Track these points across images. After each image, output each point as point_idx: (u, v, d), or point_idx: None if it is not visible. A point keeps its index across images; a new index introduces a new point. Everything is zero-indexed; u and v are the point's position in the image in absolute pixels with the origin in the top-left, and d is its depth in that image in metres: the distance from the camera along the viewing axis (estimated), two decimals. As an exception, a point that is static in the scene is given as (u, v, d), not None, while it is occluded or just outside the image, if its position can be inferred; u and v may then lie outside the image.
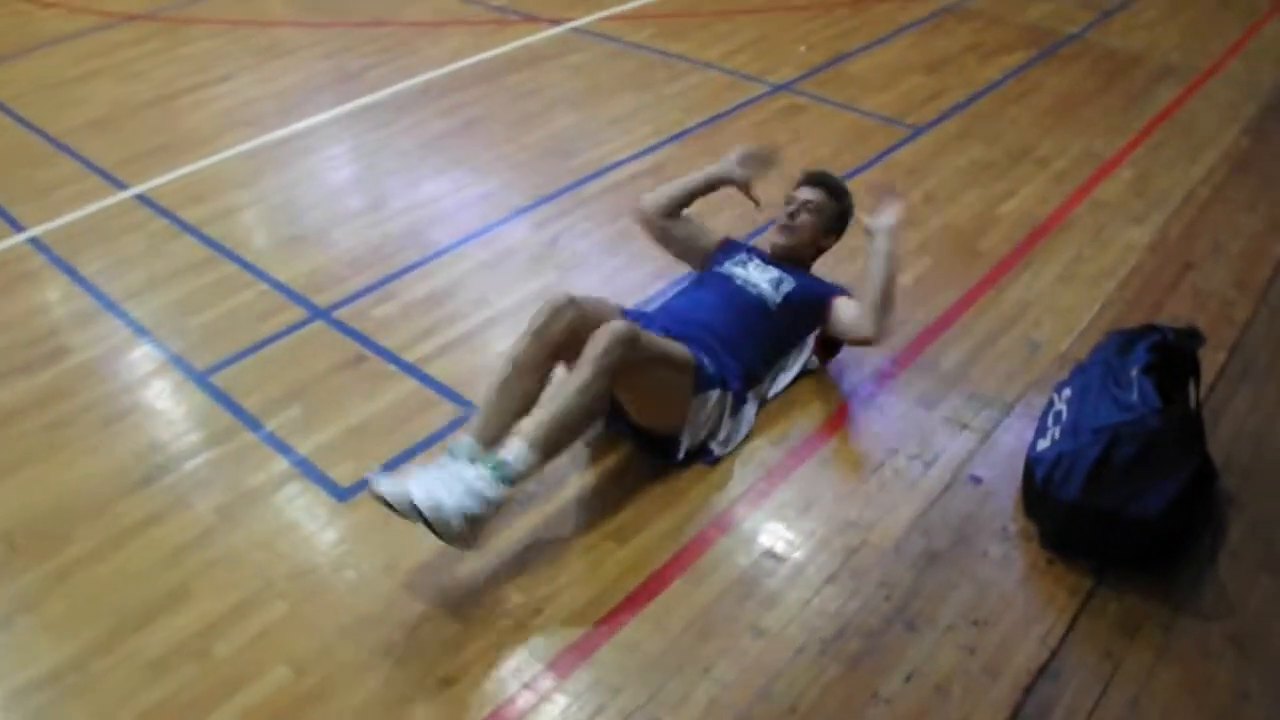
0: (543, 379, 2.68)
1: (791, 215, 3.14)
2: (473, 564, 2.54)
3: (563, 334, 2.66)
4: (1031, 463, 2.47)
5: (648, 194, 3.28)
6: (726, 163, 3.20)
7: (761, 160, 3.22)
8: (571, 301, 2.70)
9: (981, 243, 3.72)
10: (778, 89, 4.98)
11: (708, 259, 3.21)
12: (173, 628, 2.42)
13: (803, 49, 5.41)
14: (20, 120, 5.06)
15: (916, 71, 5.09)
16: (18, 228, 4.12)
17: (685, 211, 3.26)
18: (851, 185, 3.32)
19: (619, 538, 2.60)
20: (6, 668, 2.37)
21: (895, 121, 4.61)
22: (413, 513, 2.30)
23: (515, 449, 2.43)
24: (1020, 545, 2.49)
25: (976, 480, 2.66)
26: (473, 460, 2.44)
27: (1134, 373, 2.39)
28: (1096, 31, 5.53)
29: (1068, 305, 3.35)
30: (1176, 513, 2.24)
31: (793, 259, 3.13)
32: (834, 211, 3.16)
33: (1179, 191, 3.98)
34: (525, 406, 2.64)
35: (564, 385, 2.52)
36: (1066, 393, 2.55)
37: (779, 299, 2.98)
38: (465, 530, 2.32)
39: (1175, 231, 3.74)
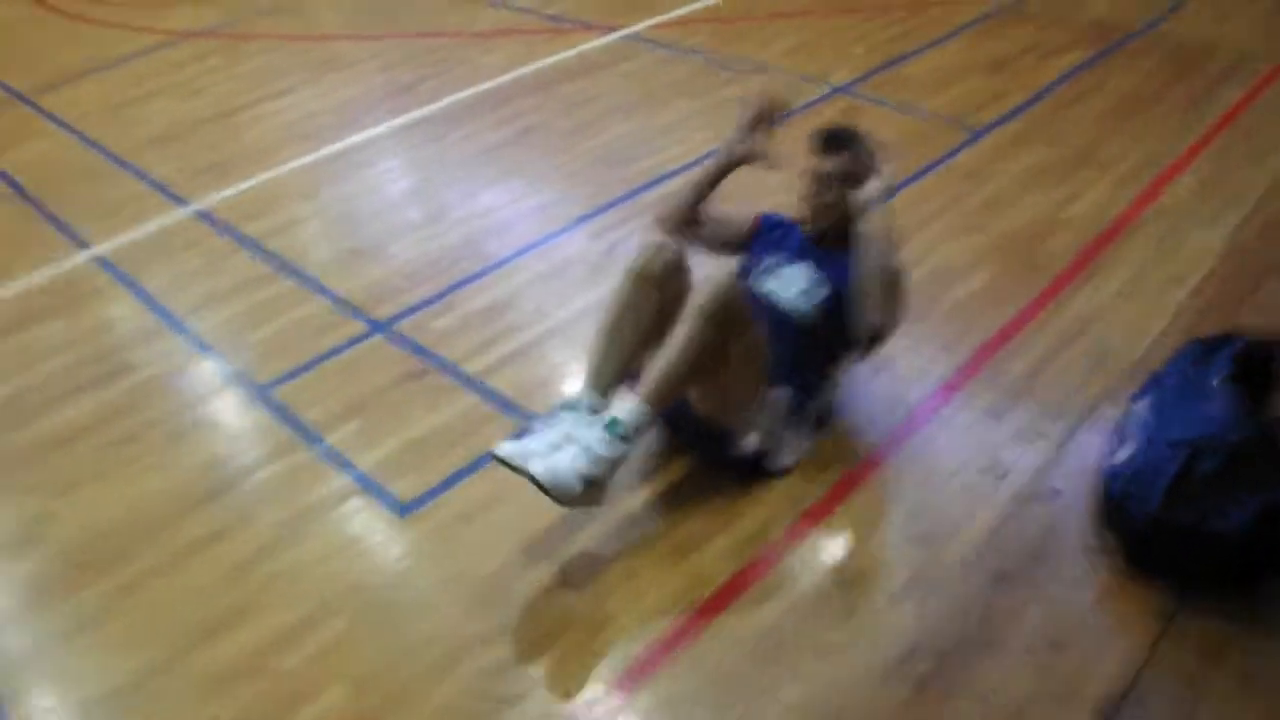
0: (648, 318, 2.65)
1: (815, 193, 2.84)
2: (531, 580, 2.53)
3: (661, 273, 2.65)
4: (1107, 476, 2.39)
5: (659, 209, 3.04)
6: (726, 143, 2.92)
7: (763, 122, 2.91)
8: (668, 243, 2.70)
9: (1044, 249, 3.63)
10: (835, 91, 4.92)
11: (745, 247, 3.04)
12: (232, 645, 2.43)
13: (859, 51, 5.34)
14: (85, 139, 5.14)
15: (976, 73, 5.00)
16: (84, 246, 4.18)
17: (707, 209, 3.02)
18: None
19: (681, 553, 2.57)
20: (67, 686, 2.40)
21: (955, 123, 4.53)
22: (533, 483, 2.35)
23: (627, 404, 2.46)
24: (1097, 563, 2.41)
25: (1055, 492, 2.59)
26: (592, 411, 2.50)
27: (1215, 382, 2.32)
28: (1163, 26, 5.40)
29: (1136, 313, 3.26)
30: (1261, 529, 2.15)
31: (830, 235, 2.85)
32: (863, 166, 2.78)
33: (1252, 193, 3.86)
34: (634, 348, 2.64)
35: (672, 336, 2.50)
36: (1143, 403, 2.47)
37: (814, 312, 2.79)
38: (585, 492, 2.38)
39: (1250, 234, 3.62)
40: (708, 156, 4.22)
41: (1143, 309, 3.28)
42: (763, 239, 3.02)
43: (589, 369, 2.63)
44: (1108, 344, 3.13)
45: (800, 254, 2.90)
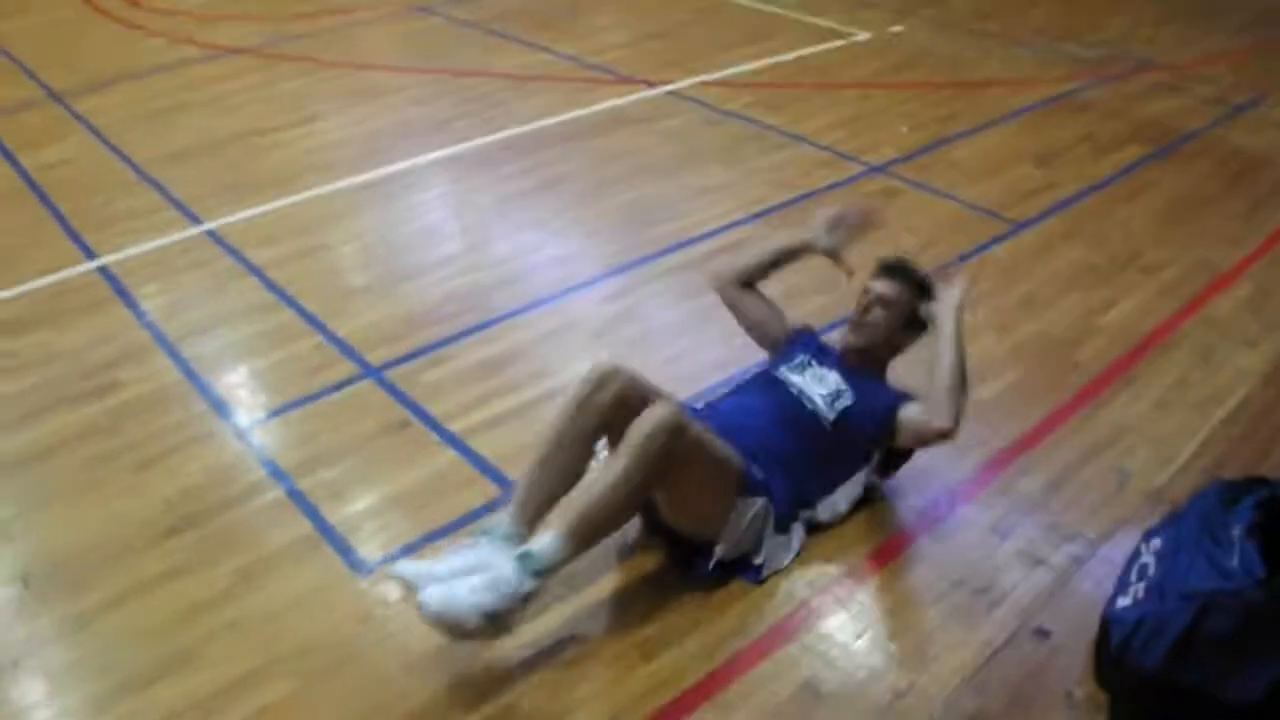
0: (586, 453, 2.52)
1: (863, 310, 2.81)
2: (491, 662, 2.38)
3: (609, 405, 2.50)
4: (1108, 621, 2.20)
5: (724, 260, 3.06)
6: (815, 227, 2.93)
7: (853, 225, 2.92)
8: (618, 371, 2.54)
9: (1077, 355, 3.45)
10: (873, 170, 4.78)
11: (778, 347, 2.98)
12: (173, 694, 2.33)
13: (904, 129, 5.21)
14: (110, 146, 5.12)
15: (1023, 162, 4.84)
16: (90, 255, 4.13)
17: (766, 291, 3.02)
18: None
19: (647, 651, 2.40)
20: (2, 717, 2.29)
21: (995, 214, 4.37)
22: (424, 615, 2.20)
23: (546, 540, 2.30)
24: (1086, 716, 2.21)
25: (1043, 634, 2.39)
26: (509, 539, 2.34)
27: (1236, 532, 2.12)
28: (1222, 129, 5.21)
29: (1167, 434, 3.07)
30: (1273, 702, 1.96)
31: (866, 360, 2.84)
32: (911, 306, 2.80)
33: (1303, 315, 3.67)
34: (567, 483, 2.49)
35: (602, 473, 2.37)
36: (1156, 544, 2.28)
37: (833, 416, 2.70)
38: (482, 627, 2.21)
39: (1295, 361, 3.43)
40: (738, 224, 4.13)
41: (1173, 431, 3.08)
42: (800, 343, 2.96)
43: (514, 494, 2.47)
44: (1131, 466, 2.95)
45: (832, 365, 2.84)
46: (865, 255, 2.93)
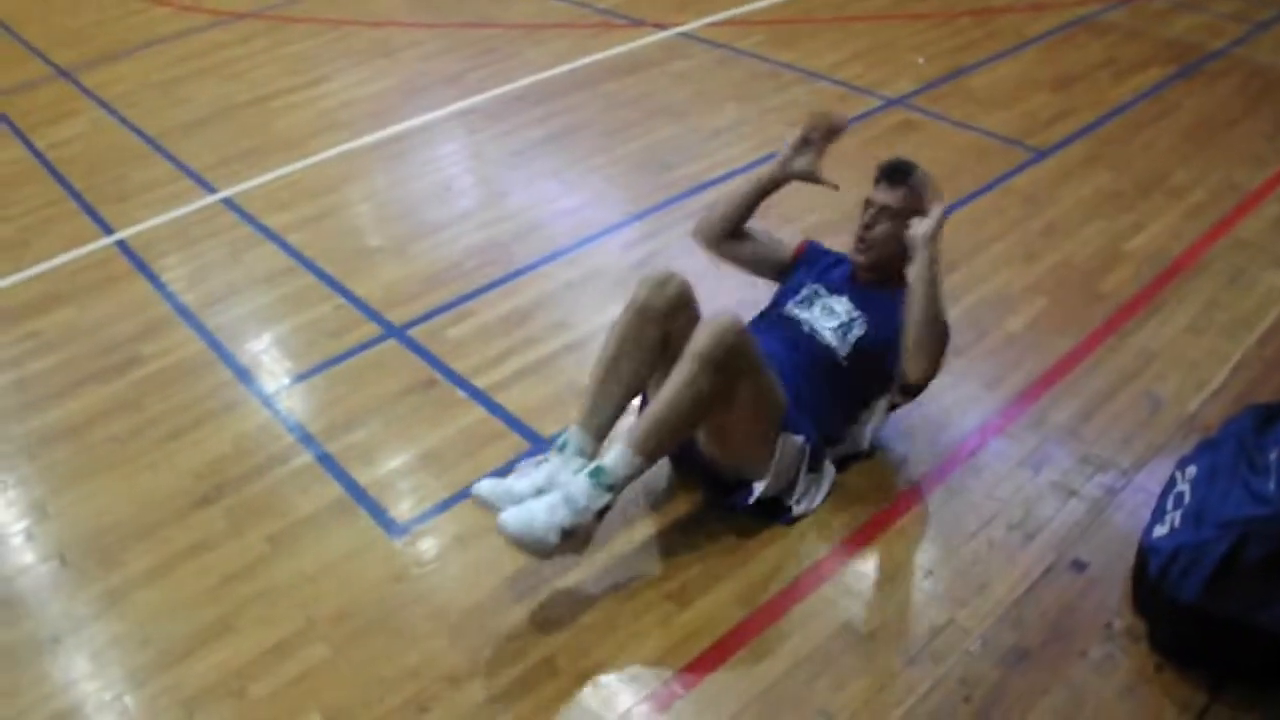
0: (647, 359, 2.50)
1: (867, 226, 2.64)
2: (526, 618, 2.39)
3: (668, 307, 2.49)
4: (1146, 551, 2.17)
5: (702, 216, 2.92)
6: (782, 156, 2.76)
7: (820, 139, 2.75)
8: (673, 274, 2.53)
9: (1104, 283, 3.40)
10: (891, 103, 4.70)
11: (786, 274, 2.89)
12: (211, 664, 2.35)
13: (920, 60, 5.10)
14: (122, 119, 5.09)
15: (1043, 89, 4.75)
16: (107, 230, 4.13)
17: (751, 225, 2.89)
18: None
19: (682, 599, 2.41)
20: (45, 692, 2.32)
21: (1016, 143, 4.29)
22: (505, 534, 2.23)
23: (615, 453, 2.31)
24: (1125, 647, 2.19)
25: (1080, 566, 2.37)
26: (580, 454, 2.37)
27: (1273, 457, 2.08)
28: (1247, 47, 5.09)
29: (1198, 358, 3.03)
30: (1314, 628, 1.94)
31: (880, 274, 2.68)
32: (918, 208, 2.60)
33: (1335, 231, 3.60)
34: (631, 390, 2.50)
35: (667, 382, 2.34)
36: (1191, 471, 2.25)
37: (848, 349, 2.62)
38: (560, 544, 2.24)
39: (1328, 278, 3.36)
40: (755, 165, 4.05)
41: (1204, 355, 3.04)
42: (806, 266, 2.87)
43: (582, 407, 2.47)
44: (1162, 393, 2.91)
45: (841, 288, 2.73)
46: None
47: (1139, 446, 2.73)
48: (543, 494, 2.29)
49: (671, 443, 2.39)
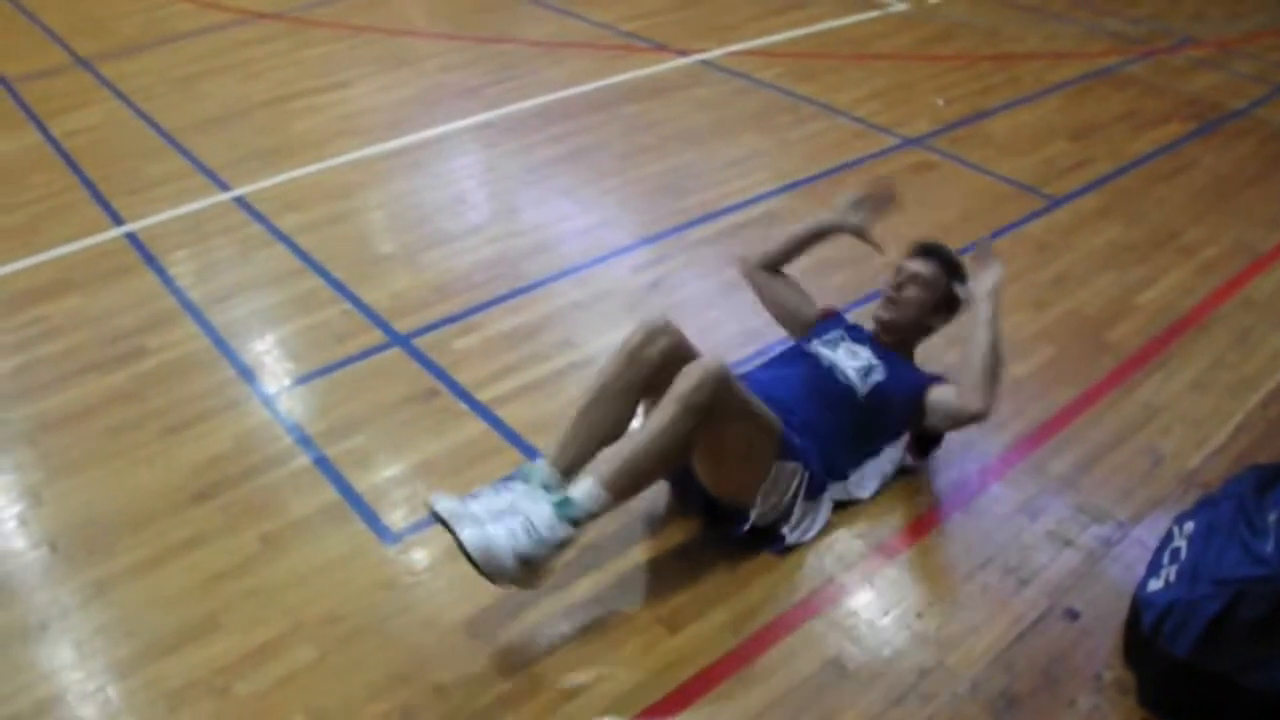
0: (629, 406, 2.50)
1: (897, 288, 2.82)
2: (517, 633, 2.38)
3: (657, 359, 2.49)
4: (1139, 605, 2.17)
5: (746, 251, 3.07)
6: (838, 208, 2.95)
7: (877, 202, 2.94)
8: (669, 326, 2.54)
9: (1111, 334, 3.40)
10: (908, 143, 4.71)
11: (806, 329, 2.97)
12: (196, 660, 2.34)
13: (940, 102, 5.13)
14: (139, 113, 5.12)
15: (1061, 137, 4.76)
16: (118, 221, 4.14)
17: (790, 273, 3.03)
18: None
19: (673, 624, 2.40)
20: (28, 680, 2.31)
21: (1032, 190, 4.30)
22: (460, 550, 2.19)
23: (585, 487, 2.28)
24: (1113, 699, 2.17)
25: (1073, 615, 2.36)
26: (546, 487, 2.32)
27: (1271, 519, 2.07)
28: (1268, 108, 5.10)
29: (1201, 416, 3.02)
30: (1306, 692, 1.93)
31: (896, 339, 2.84)
32: (945, 288, 2.82)
33: (1345, 297, 3.59)
34: (608, 434, 2.47)
35: (646, 423, 2.34)
36: (1189, 527, 2.24)
37: (865, 390, 2.69)
38: (518, 572, 2.20)
39: (1335, 343, 3.36)
40: (769, 196, 4.07)
41: (1208, 413, 3.03)
42: (831, 322, 2.96)
43: (555, 441, 2.45)
44: (1164, 447, 2.90)
45: (863, 341, 2.84)
46: (899, 235, 2.90)
47: (1137, 500, 2.72)
48: (500, 519, 2.23)
49: (643, 484, 2.38)
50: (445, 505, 2.25)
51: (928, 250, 2.86)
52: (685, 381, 2.31)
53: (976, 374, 2.56)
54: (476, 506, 2.27)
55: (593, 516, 2.29)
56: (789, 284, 3.04)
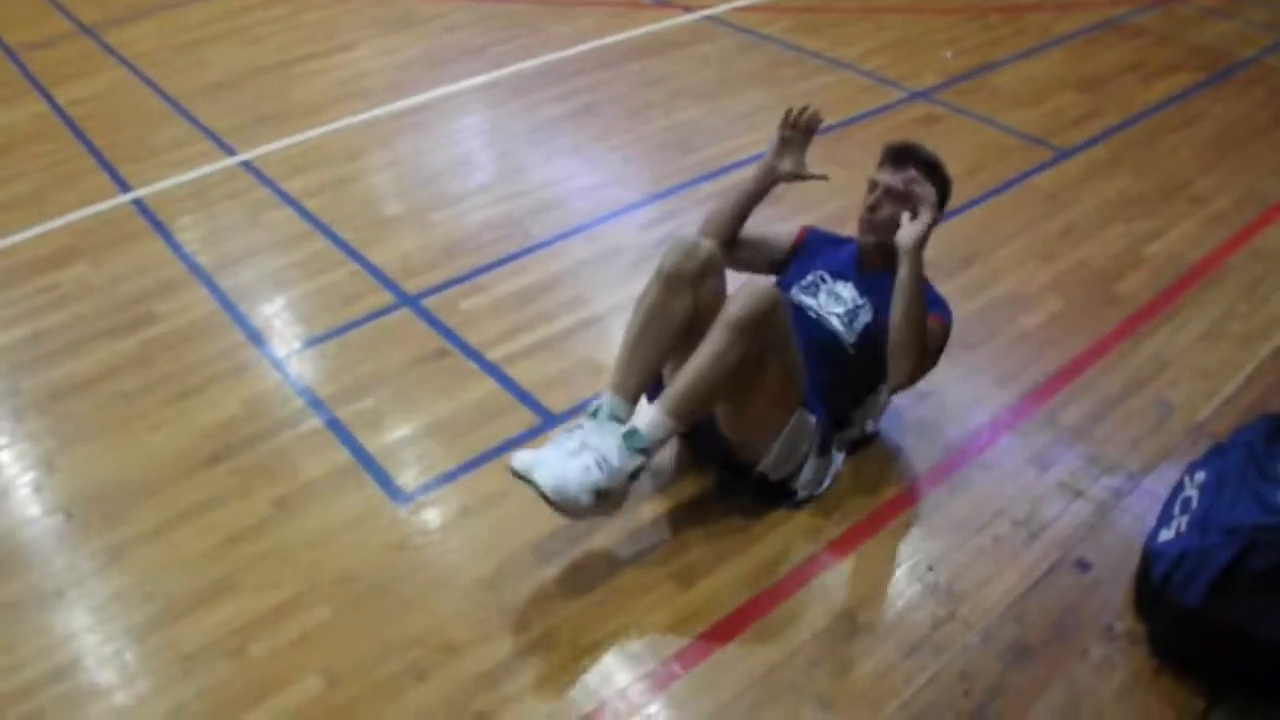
0: (676, 326, 2.47)
1: (872, 208, 2.63)
2: (529, 590, 2.40)
3: (694, 274, 2.46)
4: (1150, 555, 2.17)
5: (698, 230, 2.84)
6: (765, 161, 2.74)
7: (799, 135, 2.72)
8: (701, 242, 2.52)
9: (1121, 286, 3.38)
10: (915, 96, 4.68)
11: (786, 265, 2.86)
12: (211, 622, 2.36)
13: (948, 55, 5.08)
14: (144, 79, 5.10)
15: (1069, 88, 4.72)
16: (125, 188, 4.13)
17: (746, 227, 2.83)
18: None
19: (685, 579, 2.41)
20: (45, 644, 2.33)
21: (1040, 141, 4.27)
22: (539, 494, 2.24)
23: (650, 416, 2.33)
24: (1125, 649, 2.18)
25: (1084, 566, 2.37)
26: (612, 418, 2.35)
27: (1282, 467, 2.08)
28: (1276, 56, 5.04)
29: (1211, 367, 3.01)
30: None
31: (885, 258, 2.60)
32: (925, 192, 2.55)
33: (1356, 246, 3.57)
34: (662, 356, 2.47)
35: (700, 348, 2.33)
36: (1200, 477, 2.24)
37: (855, 336, 2.62)
38: (594, 505, 2.24)
39: (1346, 293, 3.34)
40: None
41: (1218, 363, 3.02)
42: (808, 252, 2.85)
43: (613, 373, 2.46)
44: (1174, 398, 2.90)
45: (847, 273, 2.71)
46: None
47: (1148, 451, 2.72)
48: (573, 457, 2.27)
49: (704, 407, 2.38)
50: (520, 460, 2.29)
51: (896, 155, 2.65)
52: (738, 303, 2.31)
53: (893, 347, 2.50)
54: (549, 453, 2.29)
55: (660, 443, 2.34)
56: (751, 242, 2.83)
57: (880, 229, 2.63)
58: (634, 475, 2.31)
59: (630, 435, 2.30)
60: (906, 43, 5.26)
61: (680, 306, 2.47)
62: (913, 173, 2.61)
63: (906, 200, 2.57)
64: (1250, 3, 5.66)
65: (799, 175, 2.75)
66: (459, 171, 4.24)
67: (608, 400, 2.40)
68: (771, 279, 2.82)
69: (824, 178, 2.76)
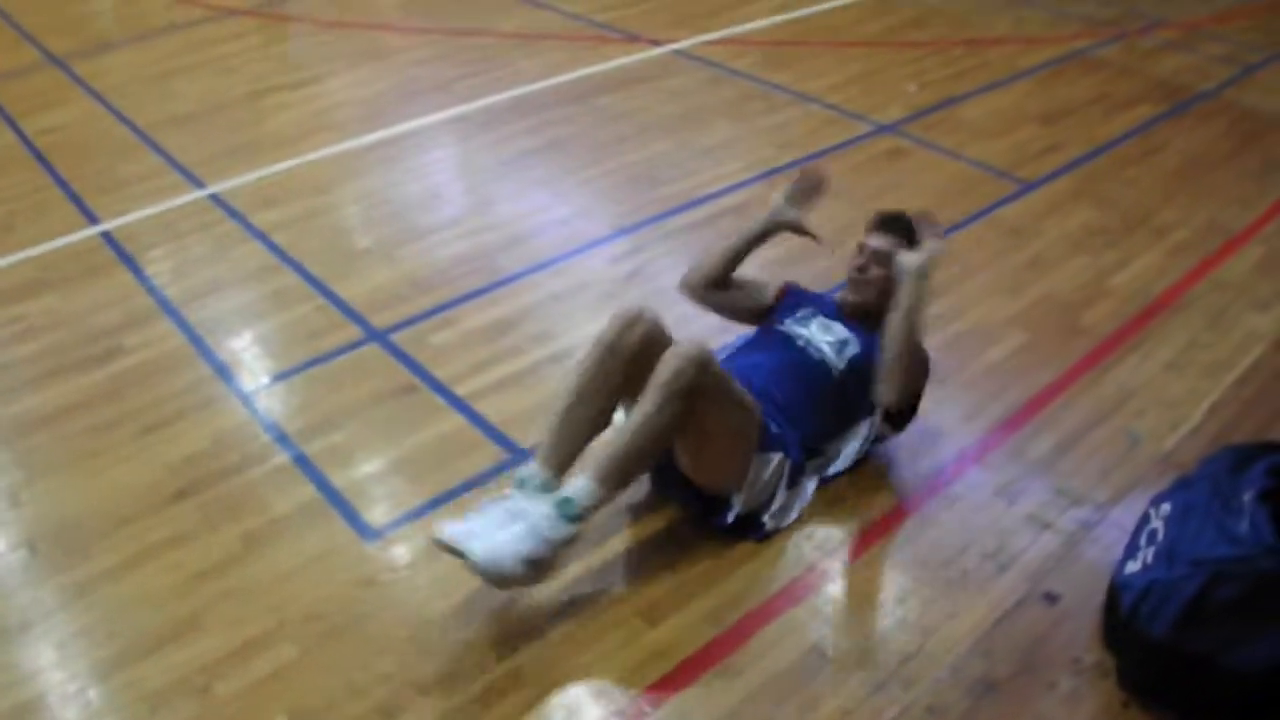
0: (611, 398, 2.49)
1: (860, 269, 2.76)
2: (496, 628, 2.38)
3: (636, 347, 2.47)
4: (1117, 587, 2.19)
5: (691, 268, 2.97)
6: (773, 206, 2.89)
7: (806, 191, 2.88)
8: (644, 313, 2.52)
9: (1086, 317, 3.42)
10: (881, 130, 4.72)
11: (768, 314, 2.94)
12: (177, 660, 2.33)
13: (912, 88, 5.14)
14: (113, 110, 5.08)
15: (1032, 121, 4.78)
16: (93, 220, 4.11)
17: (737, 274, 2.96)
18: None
19: (652, 616, 2.40)
20: (8, 680, 2.30)
21: (1005, 174, 4.32)
22: (469, 566, 2.21)
23: (580, 484, 2.31)
24: (1093, 681, 2.19)
25: (1052, 599, 2.38)
26: (542, 490, 2.34)
27: (1246, 498, 2.10)
28: (1236, 89, 5.12)
29: (1176, 397, 3.04)
30: (1280, 670, 1.95)
31: (866, 315, 2.78)
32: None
33: (1316, 276, 3.62)
34: (594, 429, 2.48)
35: (632, 414, 2.35)
36: (1165, 508, 2.26)
37: (842, 365, 2.68)
38: (526, 574, 2.23)
39: (1306, 323, 3.39)
40: (745, 185, 4.06)
41: (1183, 394, 3.05)
42: (791, 302, 2.92)
43: (542, 443, 2.45)
44: (1140, 429, 2.92)
45: (835, 316, 2.82)
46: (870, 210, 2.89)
47: (1115, 482, 2.74)
48: (504, 528, 2.25)
49: (636, 473, 2.40)
50: (450, 531, 2.26)
51: (886, 223, 2.78)
52: (666, 368, 2.32)
53: (884, 367, 2.58)
54: (479, 524, 2.27)
55: (592, 510, 2.32)
56: (740, 288, 2.96)
57: (864, 289, 2.76)
58: (567, 543, 2.29)
59: (563, 503, 2.28)
60: (872, 76, 5.31)
61: (615, 379, 2.48)
62: (896, 238, 2.73)
63: (891, 263, 2.69)
64: (1209, 36, 5.76)
65: (800, 229, 2.88)
66: (428, 205, 4.24)
67: (535, 471, 2.39)
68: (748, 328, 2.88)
69: (818, 239, 2.90)
